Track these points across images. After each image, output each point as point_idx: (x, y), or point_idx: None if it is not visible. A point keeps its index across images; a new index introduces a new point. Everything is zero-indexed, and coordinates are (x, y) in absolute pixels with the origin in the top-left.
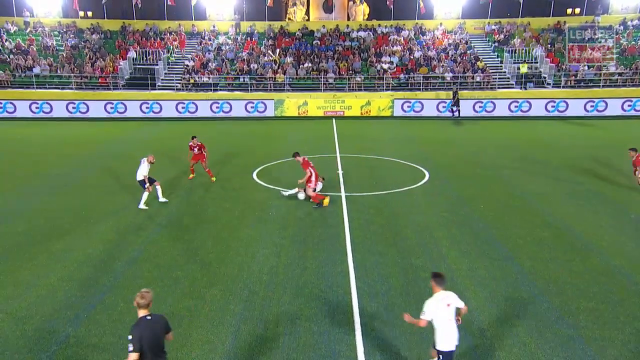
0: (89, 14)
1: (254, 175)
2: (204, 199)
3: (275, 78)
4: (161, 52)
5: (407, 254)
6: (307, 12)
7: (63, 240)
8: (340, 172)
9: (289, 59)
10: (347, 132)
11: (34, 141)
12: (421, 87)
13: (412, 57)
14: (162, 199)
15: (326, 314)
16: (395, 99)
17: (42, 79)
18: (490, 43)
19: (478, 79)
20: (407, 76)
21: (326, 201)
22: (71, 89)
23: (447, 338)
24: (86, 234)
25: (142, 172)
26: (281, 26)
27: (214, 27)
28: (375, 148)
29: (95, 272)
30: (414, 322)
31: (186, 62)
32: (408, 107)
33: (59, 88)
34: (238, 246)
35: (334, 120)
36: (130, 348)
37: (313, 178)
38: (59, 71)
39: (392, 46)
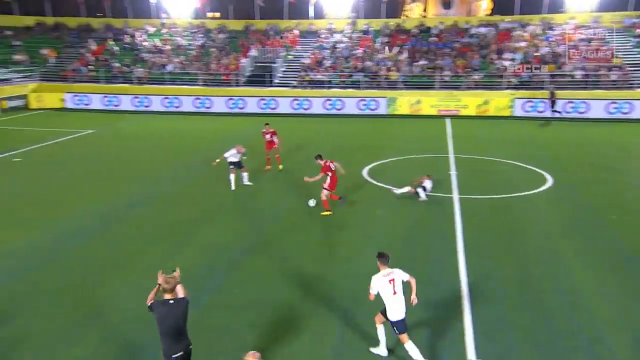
0: (217, 15)
1: (364, 173)
2: (314, 195)
3: (388, 76)
4: (280, 50)
5: (525, 262)
6: (425, 9)
7: (189, 226)
8: (453, 173)
9: (403, 56)
10: (461, 132)
11: (166, 133)
12: (544, 86)
13: (537, 54)
14: (246, 182)
15: (436, 319)
16: (516, 98)
17: (174, 75)
18: (630, 38)
19: (614, 77)
20: (530, 74)
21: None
22: (198, 85)
23: (394, 309)
24: (210, 221)
25: (227, 154)
26: (397, 23)
27: (330, 25)
28: (492, 149)
29: (216, 258)
30: (370, 297)
31: (302, 60)
32: (530, 106)
33: (188, 84)
34: (345, 243)
35: (447, 119)
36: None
37: (328, 180)
38: (188, 68)
39: (516, 42)
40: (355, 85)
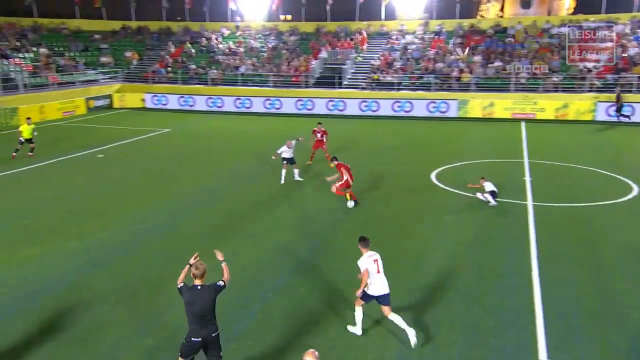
0: (289, 17)
1: (433, 177)
2: (379, 198)
3: (460, 77)
4: (349, 51)
5: (606, 275)
6: (502, 8)
7: (255, 224)
8: (527, 178)
9: (477, 58)
10: (538, 136)
11: (236, 132)
12: (632, 89)
13: (625, 55)
14: (297, 178)
15: (505, 329)
16: (599, 101)
17: (246, 77)
18: None
19: None
20: (616, 77)
21: (348, 197)
22: (269, 86)
23: (376, 285)
24: (274, 219)
25: (279, 150)
26: (472, 24)
27: (402, 26)
28: (572, 155)
29: (280, 257)
30: (363, 280)
31: (372, 61)
32: (614, 110)
33: (259, 85)
34: (410, 247)
35: (522, 122)
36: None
37: (344, 179)
38: (260, 70)
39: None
40: (426, 87)
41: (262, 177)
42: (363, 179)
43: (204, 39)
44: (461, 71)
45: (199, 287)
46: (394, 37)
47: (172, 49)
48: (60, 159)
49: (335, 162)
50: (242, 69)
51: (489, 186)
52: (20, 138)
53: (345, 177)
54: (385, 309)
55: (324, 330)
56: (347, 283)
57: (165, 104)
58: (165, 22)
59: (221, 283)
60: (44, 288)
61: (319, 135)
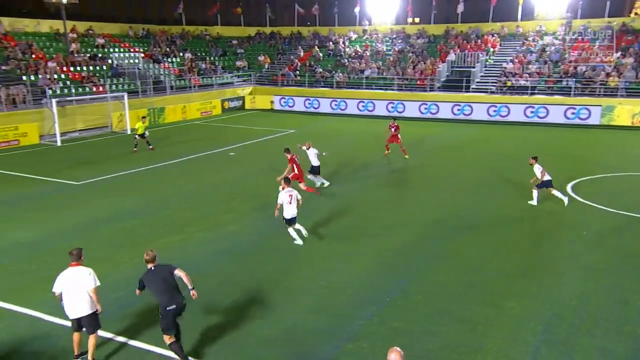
0: (416, 20)
1: (569, 188)
2: (503, 204)
3: (607, 82)
4: (480, 54)
5: None
6: None
7: (378, 226)
8: None
9: (628, 60)
10: None
11: (359, 134)
12: None
13: None
14: (324, 183)
15: None
16: None
17: (370, 80)
18: None
19: None
20: None
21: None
22: (393, 89)
23: (288, 211)
24: (401, 225)
25: (313, 159)
26: (623, 23)
27: (540, 27)
28: None
29: (400, 261)
30: (277, 208)
31: (504, 64)
32: None
33: (383, 89)
34: (541, 261)
35: None
36: (137, 288)
37: (293, 173)
38: (384, 73)
39: None
40: (565, 91)
41: (381, 177)
42: (495, 182)
43: (331, 43)
44: (608, 75)
45: (152, 269)
46: (530, 39)
47: (301, 53)
48: (199, 155)
49: (288, 155)
50: (367, 72)
51: (545, 176)
52: (136, 135)
53: (295, 171)
54: (290, 228)
55: (441, 337)
56: (465, 295)
57: (291, 106)
58: (296, 27)
59: (172, 265)
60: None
61: (392, 130)
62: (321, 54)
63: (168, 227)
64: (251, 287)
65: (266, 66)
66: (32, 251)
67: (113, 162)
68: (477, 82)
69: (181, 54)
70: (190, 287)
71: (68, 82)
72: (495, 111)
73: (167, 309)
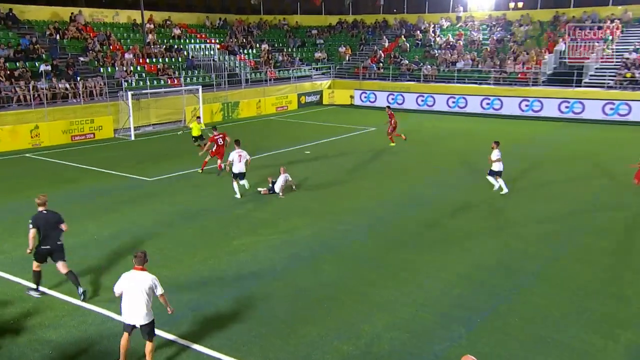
0: (519, 4)
1: None
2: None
3: None
4: (596, 43)
5: None
6: None
7: (464, 237)
8: None
9: None
10: None
11: (445, 133)
12: None
13: None
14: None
15: None
16: None
17: (463, 73)
18: None
19: None
20: None
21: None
22: (489, 84)
23: (237, 167)
24: (493, 237)
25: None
26: None
27: None
28: None
29: (492, 278)
30: (219, 165)
31: (626, 55)
32: None
33: (477, 83)
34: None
35: None
36: (30, 227)
37: (213, 149)
38: (480, 66)
39: None
40: None
41: (468, 184)
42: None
43: (420, 31)
44: None
45: (45, 212)
46: None
47: (386, 44)
48: (273, 152)
49: (215, 131)
50: (459, 65)
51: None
52: (193, 137)
53: (215, 148)
54: (235, 182)
55: None
56: (570, 320)
57: (373, 102)
58: (381, 15)
59: (59, 214)
60: (254, 276)
61: (392, 122)
62: (408, 44)
63: (241, 228)
64: (328, 297)
65: (347, 58)
66: (104, 248)
67: (185, 157)
68: (591, 76)
69: (257, 45)
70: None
71: (143, 75)
72: (612, 109)
73: (42, 247)
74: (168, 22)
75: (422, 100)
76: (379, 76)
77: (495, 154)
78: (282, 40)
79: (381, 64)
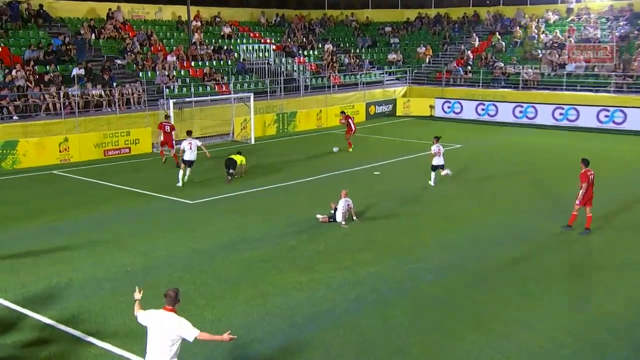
0: None
1: None
2: None
3: None
4: None
5: None
6: None
7: (580, 281)
8: None
9: None
10: None
11: (551, 154)
12: None
13: None
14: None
15: None
16: None
17: (574, 78)
18: None
19: None
20: None
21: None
22: (608, 92)
23: (188, 156)
24: (613, 276)
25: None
26: None
27: None
28: None
29: (609, 336)
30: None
31: None
32: None
33: (592, 91)
34: None
35: None
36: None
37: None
38: (597, 69)
39: None
40: None
41: (567, 215)
42: None
43: (518, 27)
44: None
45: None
46: None
47: (476, 42)
48: (336, 172)
49: (166, 120)
50: (569, 68)
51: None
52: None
53: (162, 135)
54: (182, 166)
55: None
56: None
57: (458, 113)
58: (471, 7)
59: None
60: (312, 320)
61: (346, 121)
62: (504, 43)
63: (294, 263)
64: (398, 350)
65: (427, 60)
66: (137, 282)
67: (232, 178)
68: None
69: (320, 46)
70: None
71: (187, 80)
72: None
73: None
74: (217, 19)
75: (521, 112)
76: (466, 82)
77: (435, 148)
78: (349, 40)
79: (469, 67)
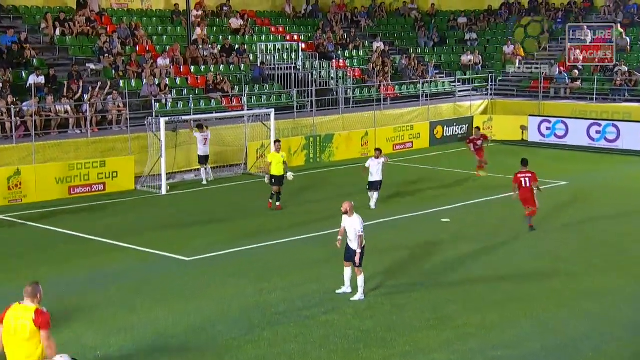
0: None
1: None
2: None
3: None
4: None
5: None
6: None
7: None
8: None
9: None
10: None
11: None
12: None
13: None
14: None
15: None
16: None
17: None
18: None
19: None
20: None
21: None
22: None
23: (201, 150)
24: None
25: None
26: None
27: None
28: None
29: None
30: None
31: None
32: None
33: None
34: None
35: None
36: None
37: None
38: None
39: None
40: None
41: None
42: None
43: None
44: None
45: None
46: None
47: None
48: (387, 219)
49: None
50: None
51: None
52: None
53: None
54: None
55: None
56: None
57: (562, 137)
58: None
59: None
60: None
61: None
62: (628, 39)
63: (331, 346)
64: None
65: (517, 63)
66: None
67: (242, 225)
68: None
69: (366, 44)
70: None
71: (185, 91)
72: None
73: None
74: (225, 7)
75: None
76: (573, 94)
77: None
78: (407, 36)
79: (577, 72)
